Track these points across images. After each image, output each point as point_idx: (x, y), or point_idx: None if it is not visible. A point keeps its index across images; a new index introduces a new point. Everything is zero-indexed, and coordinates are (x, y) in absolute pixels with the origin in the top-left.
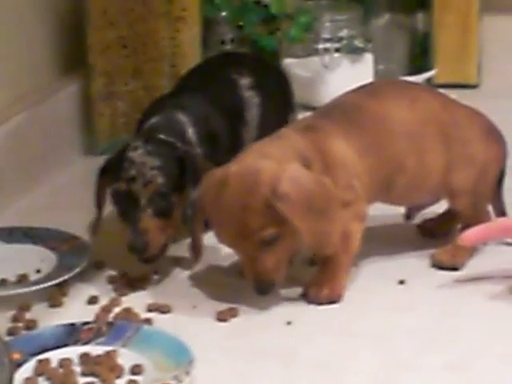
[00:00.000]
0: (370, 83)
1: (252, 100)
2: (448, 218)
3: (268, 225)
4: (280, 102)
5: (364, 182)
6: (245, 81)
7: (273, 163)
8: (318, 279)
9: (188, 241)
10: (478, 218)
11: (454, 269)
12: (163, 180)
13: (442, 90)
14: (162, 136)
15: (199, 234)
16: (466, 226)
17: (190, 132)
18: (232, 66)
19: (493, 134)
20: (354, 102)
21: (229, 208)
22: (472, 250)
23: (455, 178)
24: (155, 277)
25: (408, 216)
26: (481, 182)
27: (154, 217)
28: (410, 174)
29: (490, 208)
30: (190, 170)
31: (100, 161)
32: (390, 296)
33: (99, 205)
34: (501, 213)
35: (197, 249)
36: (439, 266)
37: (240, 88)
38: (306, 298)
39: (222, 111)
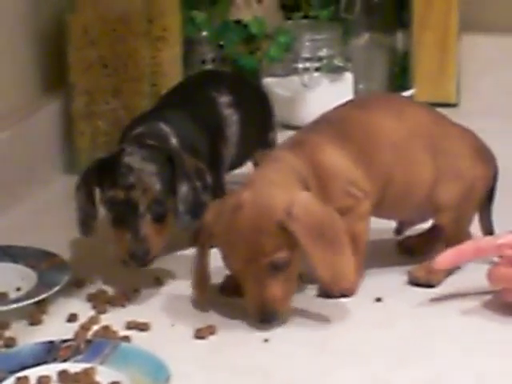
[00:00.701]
0: (357, 97)
1: (231, 117)
2: (428, 237)
3: (280, 248)
4: (260, 120)
5: (363, 186)
6: (224, 99)
7: (284, 190)
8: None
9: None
10: (460, 235)
11: (430, 286)
12: (160, 186)
13: None
14: (150, 142)
15: (206, 266)
16: (448, 244)
17: (174, 142)
18: (211, 84)
19: (482, 152)
20: (341, 114)
21: (242, 231)
22: (449, 269)
23: (441, 192)
24: (134, 295)
25: (398, 231)
26: (466, 199)
27: (152, 223)
28: (398, 185)
29: (478, 226)
30: (178, 166)
31: None
32: (367, 313)
33: (92, 202)
34: (488, 232)
35: (204, 282)
36: (415, 282)
37: (219, 106)
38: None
39: (202, 127)
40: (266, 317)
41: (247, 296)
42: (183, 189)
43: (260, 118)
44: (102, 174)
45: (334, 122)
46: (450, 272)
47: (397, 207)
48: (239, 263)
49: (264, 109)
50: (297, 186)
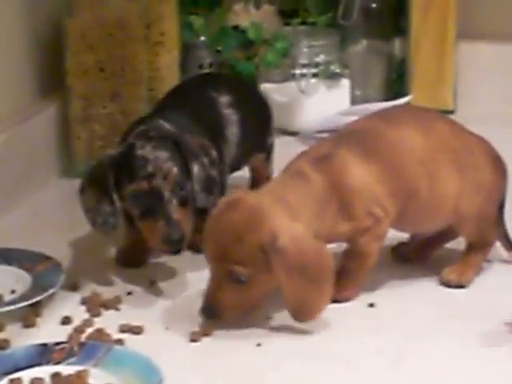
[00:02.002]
0: (385, 110)
1: (231, 117)
2: (423, 244)
3: (246, 264)
4: (258, 124)
5: (386, 204)
6: (224, 99)
7: (286, 214)
8: (337, 282)
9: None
10: (483, 244)
11: (461, 287)
12: (177, 169)
13: None
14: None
15: None
16: (470, 250)
17: None
18: (211, 84)
19: (498, 161)
20: (371, 128)
21: (224, 228)
22: (478, 269)
23: (463, 204)
24: (128, 298)
25: (412, 240)
26: (487, 208)
27: (179, 207)
28: (423, 200)
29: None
30: (186, 149)
31: (77, 183)
32: (360, 318)
33: (109, 200)
34: (504, 238)
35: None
36: (447, 284)
37: (219, 105)
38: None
39: (202, 126)
40: (206, 313)
41: (206, 286)
42: (195, 168)
43: (259, 121)
44: (116, 170)
45: (361, 137)
46: (478, 272)
47: (421, 221)
48: (210, 255)
49: (263, 113)
50: (307, 213)
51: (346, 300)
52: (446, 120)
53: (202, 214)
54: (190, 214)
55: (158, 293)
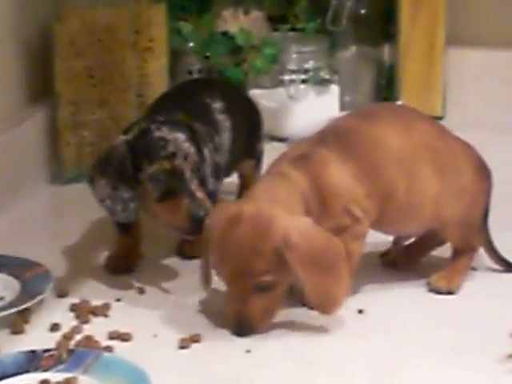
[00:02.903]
0: (366, 108)
1: (224, 123)
2: (411, 250)
3: (269, 271)
4: (249, 131)
5: (365, 205)
6: (217, 105)
7: (286, 212)
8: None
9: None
10: (467, 249)
11: (451, 293)
12: (194, 150)
13: None
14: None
15: (209, 264)
16: (457, 255)
17: None
18: (205, 90)
19: (482, 167)
20: (350, 126)
21: (236, 246)
22: (466, 274)
23: (446, 208)
24: (117, 305)
25: (395, 243)
26: (471, 212)
27: (199, 186)
28: (401, 200)
29: None
30: (199, 133)
31: (66, 190)
32: (349, 325)
33: (128, 185)
34: (488, 245)
35: (207, 277)
36: (436, 291)
37: (213, 111)
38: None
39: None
40: (241, 331)
41: (228, 306)
42: (206, 152)
43: (249, 128)
44: (134, 154)
45: (341, 135)
46: (465, 277)
47: (401, 222)
48: (227, 274)
49: (253, 119)
50: (299, 208)
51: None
52: (428, 120)
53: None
54: (206, 196)
55: (147, 300)
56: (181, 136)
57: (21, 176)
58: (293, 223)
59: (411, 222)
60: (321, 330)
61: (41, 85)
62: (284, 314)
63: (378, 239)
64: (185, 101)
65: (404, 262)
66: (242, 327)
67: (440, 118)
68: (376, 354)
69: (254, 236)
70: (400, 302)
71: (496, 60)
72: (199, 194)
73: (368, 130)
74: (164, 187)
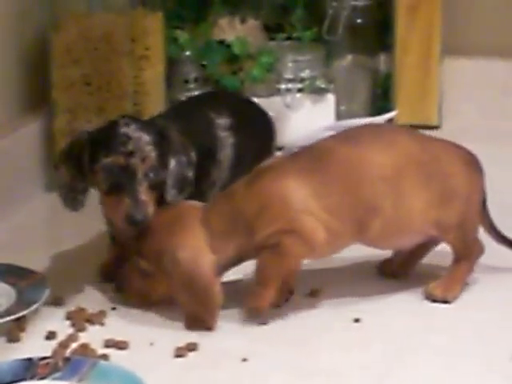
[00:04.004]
0: (347, 131)
1: (227, 140)
2: (408, 258)
3: (150, 260)
4: (259, 145)
5: (323, 218)
6: (221, 121)
7: (200, 236)
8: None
9: None
10: (469, 249)
11: (446, 302)
12: (156, 155)
13: None
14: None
15: None
16: (458, 259)
17: None
18: (212, 104)
19: (473, 164)
20: (326, 145)
21: (154, 226)
22: (464, 283)
23: (442, 214)
24: (113, 313)
25: (396, 254)
26: (467, 215)
27: (148, 190)
28: (387, 217)
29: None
30: (170, 141)
31: None
32: (345, 334)
33: (82, 175)
34: (492, 230)
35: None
36: (431, 299)
37: (216, 127)
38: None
39: (191, 143)
40: (116, 283)
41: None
42: (172, 163)
43: (260, 142)
44: (94, 146)
45: (314, 153)
46: (463, 287)
47: (392, 237)
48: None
49: (266, 134)
50: (220, 238)
51: (257, 311)
52: (409, 133)
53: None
54: (155, 200)
55: (143, 308)
56: (146, 137)
57: (16, 184)
58: (190, 245)
59: (403, 235)
60: (317, 338)
61: (37, 93)
62: (280, 323)
63: (372, 251)
64: (187, 113)
65: (400, 270)
66: (119, 282)
67: (436, 128)
68: (373, 362)
69: (165, 226)
70: (397, 311)
71: (492, 70)
72: (143, 197)
73: (342, 150)
74: (113, 180)
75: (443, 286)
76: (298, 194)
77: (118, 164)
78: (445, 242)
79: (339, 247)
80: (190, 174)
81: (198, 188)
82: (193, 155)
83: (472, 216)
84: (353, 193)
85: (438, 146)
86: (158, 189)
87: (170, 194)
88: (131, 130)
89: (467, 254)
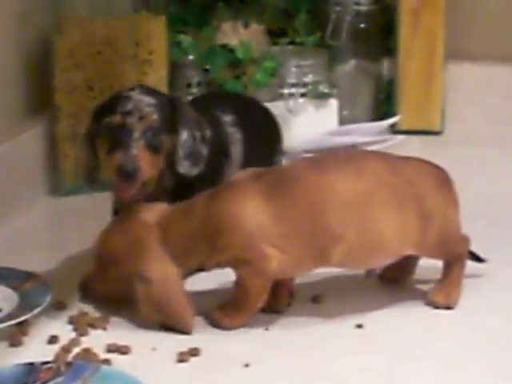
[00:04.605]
0: (318, 156)
1: (234, 135)
2: (406, 263)
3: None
4: (266, 144)
5: (280, 244)
6: (227, 118)
7: (163, 254)
8: (224, 306)
9: None
10: (456, 253)
11: (448, 308)
12: (157, 116)
13: (404, 137)
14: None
15: None
16: (449, 263)
17: None
18: (216, 103)
19: (445, 180)
20: (294, 171)
21: (118, 257)
22: (461, 284)
23: (421, 236)
24: (116, 317)
25: (368, 275)
26: (446, 230)
27: (146, 149)
28: (350, 244)
29: None
30: (181, 113)
31: (65, 202)
32: (348, 340)
33: (94, 151)
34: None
35: None
36: (434, 306)
37: (223, 124)
38: (209, 319)
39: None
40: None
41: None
42: (184, 135)
43: (267, 141)
44: (100, 113)
45: (279, 177)
46: (461, 287)
47: (364, 260)
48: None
49: (270, 134)
50: (177, 251)
51: (225, 329)
52: (380, 157)
53: None
54: (158, 165)
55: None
56: (148, 100)
57: (19, 188)
58: (157, 267)
59: (379, 257)
60: (319, 344)
61: (40, 97)
62: (282, 329)
63: None
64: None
65: (403, 276)
66: (83, 283)
67: (438, 133)
68: (375, 368)
69: (124, 256)
70: (399, 316)
71: (495, 75)
72: (136, 151)
73: (310, 177)
74: (113, 140)
75: (444, 293)
76: (254, 219)
77: (116, 123)
78: (428, 257)
79: (301, 271)
80: (204, 150)
81: (211, 185)
82: (208, 133)
83: (451, 230)
84: (312, 220)
85: (409, 169)
86: (159, 152)
87: (183, 165)
88: (134, 94)
89: (456, 257)
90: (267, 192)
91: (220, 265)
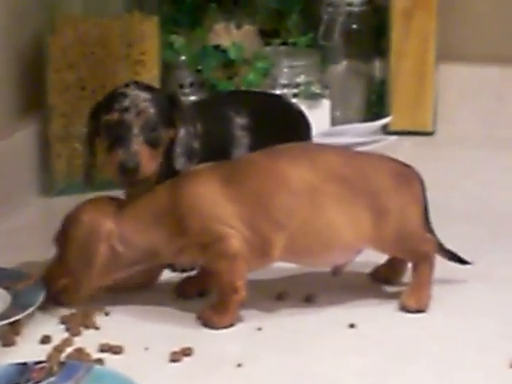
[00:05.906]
0: (276, 147)
1: (242, 140)
2: (397, 263)
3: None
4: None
5: (236, 225)
6: (240, 120)
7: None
8: (213, 305)
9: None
10: (421, 253)
11: (420, 311)
12: (154, 111)
13: (396, 137)
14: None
15: None
16: (416, 264)
17: None
18: (235, 103)
19: (404, 176)
20: (250, 158)
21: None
22: (431, 286)
23: (376, 232)
24: (108, 317)
25: (334, 272)
26: (405, 229)
27: (145, 145)
28: (294, 232)
29: None
30: (178, 108)
31: (57, 202)
32: (340, 339)
33: (92, 150)
34: (438, 247)
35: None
36: (405, 310)
37: (232, 125)
38: (200, 320)
39: (207, 140)
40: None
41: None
42: (182, 131)
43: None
44: (97, 113)
45: (236, 164)
46: (431, 289)
47: (314, 252)
48: None
49: (294, 136)
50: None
51: (216, 328)
52: (338, 150)
53: None
54: (157, 158)
55: (138, 313)
56: (144, 95)
57: (12, 187)
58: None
59: (329, 250)
60: (312, 344)
61: (33, 96)
62: (275, 328)
63: (363, 259)
64: (207, 110)
65: (394, 275)
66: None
67: (430, 134)
68: (368, 368)
69: (83, 236)
70: (392, 316)
71: (487, 76)
72: (136, 147)
73: (263, 163)
74: (112, 138)
75: (415, 297)
76: (211, 203)
77: (114, 120)
78: (388, 255)
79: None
80: (196, 145)
81: None
82: (198, 127)
83: (410, 228)
84: (260, 204)
85: (365, 163)
86: (158, 147)
87: (179, 162)
88: (130, 90)
89: (421, 257)
90: (225, 178)
91: (182, 251)
